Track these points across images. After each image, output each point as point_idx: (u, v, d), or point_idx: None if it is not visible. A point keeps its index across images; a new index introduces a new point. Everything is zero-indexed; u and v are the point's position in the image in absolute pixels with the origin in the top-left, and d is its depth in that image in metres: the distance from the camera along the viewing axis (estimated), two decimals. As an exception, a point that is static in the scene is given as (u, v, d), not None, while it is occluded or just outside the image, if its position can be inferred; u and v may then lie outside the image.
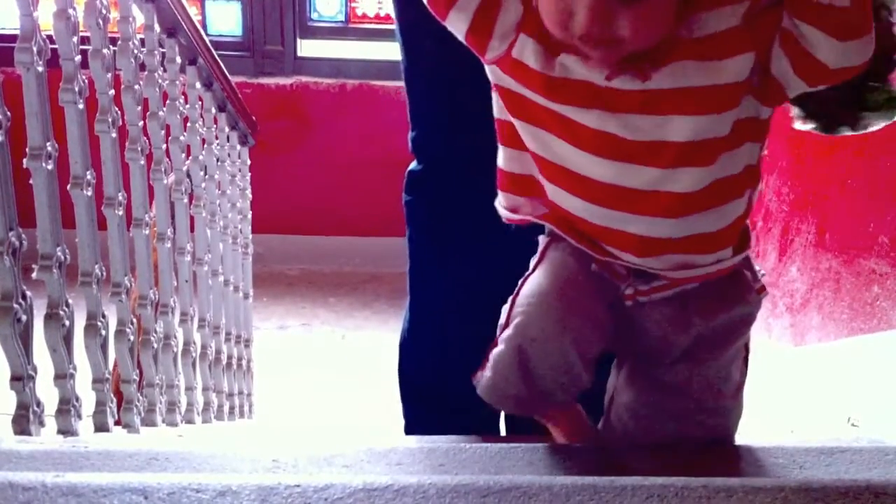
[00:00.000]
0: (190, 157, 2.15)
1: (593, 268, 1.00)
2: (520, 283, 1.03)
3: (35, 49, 1.24)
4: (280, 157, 3.76)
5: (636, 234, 0.95)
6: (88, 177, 1.41)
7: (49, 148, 1.28)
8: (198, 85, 2.19)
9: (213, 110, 2.36)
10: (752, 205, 1.00)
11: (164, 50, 1.91)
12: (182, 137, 2.04)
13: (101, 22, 1.47)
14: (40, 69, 1.25)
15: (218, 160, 2.39)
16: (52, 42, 1.31)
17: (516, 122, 0.95)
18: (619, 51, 0.84)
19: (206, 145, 2.28)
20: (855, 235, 1.90)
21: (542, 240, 1.06)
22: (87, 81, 1.40)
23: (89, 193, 1.42)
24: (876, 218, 1.80)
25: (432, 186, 1.31)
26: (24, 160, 1.27)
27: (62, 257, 1.33)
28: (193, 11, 2.23)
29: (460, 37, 0.92)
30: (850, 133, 0.99)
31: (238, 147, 2.69)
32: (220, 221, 2.40)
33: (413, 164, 1.34)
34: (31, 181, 1.29)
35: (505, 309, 1.02)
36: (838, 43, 0.84)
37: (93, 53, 1.48)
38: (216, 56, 2.25)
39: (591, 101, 0.89)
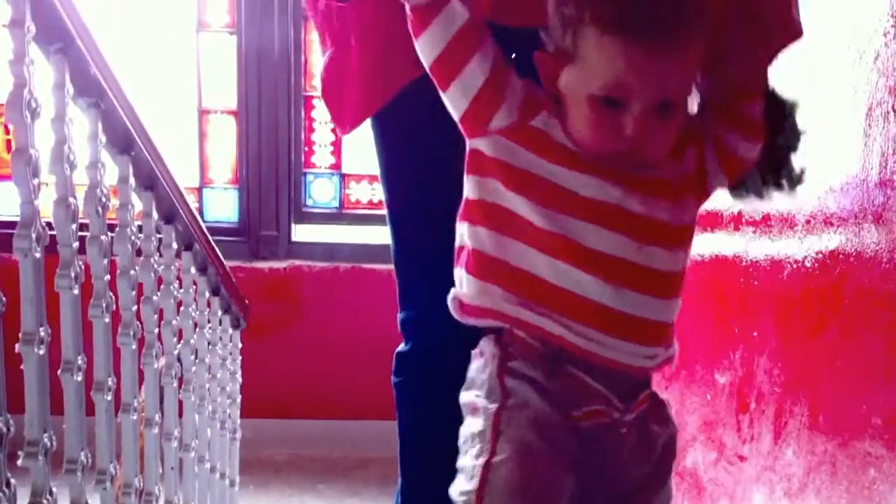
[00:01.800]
0: (182, 341, 2.16)
1: (577, 413, 1.00)
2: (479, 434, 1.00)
3: (34, 236, 1.26)
4: (271, 339, 3.76)
5: (621, 311, 0.98)
6: (79, 362, 1.41)
7: (42, 333, 1.28)
8: (193, 270, 2.22)
9: (207, 294, 2.38)
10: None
11: (160, 236, 1.94)
12: (175, 321, 2.05)
13: (100, 209, 1.51)
14: (38, 255, 1.27)
15: (209, 344, 2.40)
16: (51, 228, 1.33)
17: (517, 198, 0.96)
18: (641, 157, 0.96)
19: (198, 329, 2.29)
20: (848, 417, 1.89)
21: (485, 362, 1.03)
22: (83, 267, 1.42)
23: (79, 379, 1.41)
24: (868, 399, 1.80)
25: (421, 367, 1.31)
26: (17, 345, 1.27)
27: (48, 444, 1.31)
28: (191, 199, 2.29)
29: (467, 97, 0.95)
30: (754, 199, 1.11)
31: (230, 330, 2.70)
32: (208, 406, 2.38)
33: (401, 346, 1.34)
34: (21, 366, 1.29)
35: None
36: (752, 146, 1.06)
37: (90, 240, 1.51)
38: (212, 241, 2.29)
39: (612, 178, 0.96)
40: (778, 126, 1.20)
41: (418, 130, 1.23)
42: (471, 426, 1.01)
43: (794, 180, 1.20)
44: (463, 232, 1.01)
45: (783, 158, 1.21)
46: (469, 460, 0.99)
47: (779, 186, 1.20)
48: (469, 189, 0.98)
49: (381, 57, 1.13)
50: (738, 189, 1.19)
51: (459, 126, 0.97)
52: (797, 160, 1.21)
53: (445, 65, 0.94)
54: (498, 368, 1.01)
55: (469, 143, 0.98)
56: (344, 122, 1.25)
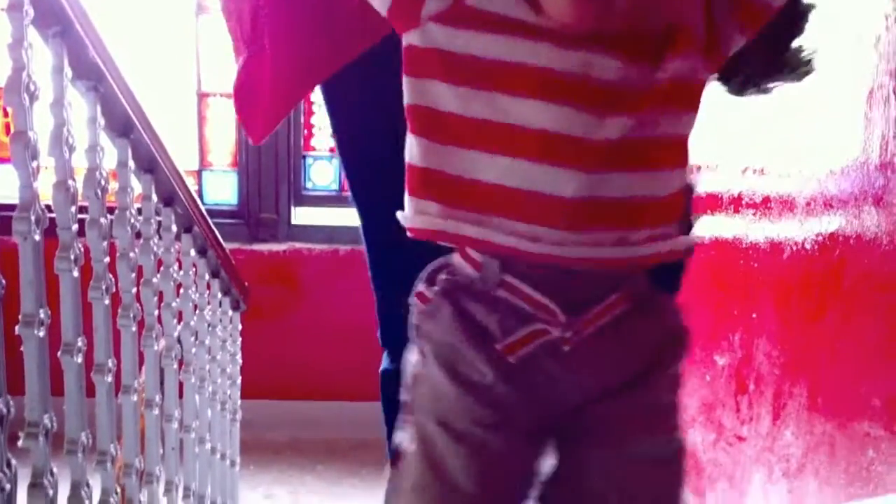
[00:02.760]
0: (182, 323, 2.16)
1: (508, 342, 0.85)
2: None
3: (33, 219, 1.26)
4: (271, 321, 3.77)
5: (568, 197, 0.82)
6: (79, 344, 1.42)
7: (42, 315, 1.29)
8: (192, 252, 2.22)
9: (207, 277, 2.38)
10: (691, 190, 0.93)
11: (160, 219, 1.94)
12: (175, 304, 2.05)
13: (99, 192, 1.51)
14: (37, 238, 1.27)
15: (209, 326, 2.40)
16: (50, 211, 1.34)
17: (457, 92, 0.82)
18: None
19: (198, 311, 2.29)
20: (847, 398, 1.90)
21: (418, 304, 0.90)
22: (82, 249, 1.42)
23: (79, 360, 1.42)
24: (867, 381, 1.81)
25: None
26: (17, 327, 1.28)
27: (49, 425, 1.31)
28: (191, 182, 2.29)
29: None
30: (755, 95, 0.99)
31: (230, 312, 2.70)
32: (209, 387, 2.38)
33: (384, 363, 1.26)
34: (21, 348, 1.29)
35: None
36: None
37: (90, 223, 1.51)
38: (211, 224, 2.29)
39: (576, 42, 0.80)
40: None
41: (351, 114, 1.18)
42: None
43: (803, 64, 0.99)
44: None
45: (789, 33, 0.98)
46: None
47: (784, 71, 0.99)
48: (405, 94, 0.85)
49: (296, 55, 1.05)
50: (736, 80, 0.99)
51: (390, 23, 0.84)
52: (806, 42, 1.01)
53: None
54: (415, 328, 0.90)
55: (403, 41, 0.85)
56: (257, 130, 1.16)
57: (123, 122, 1.63)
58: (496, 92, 0.81)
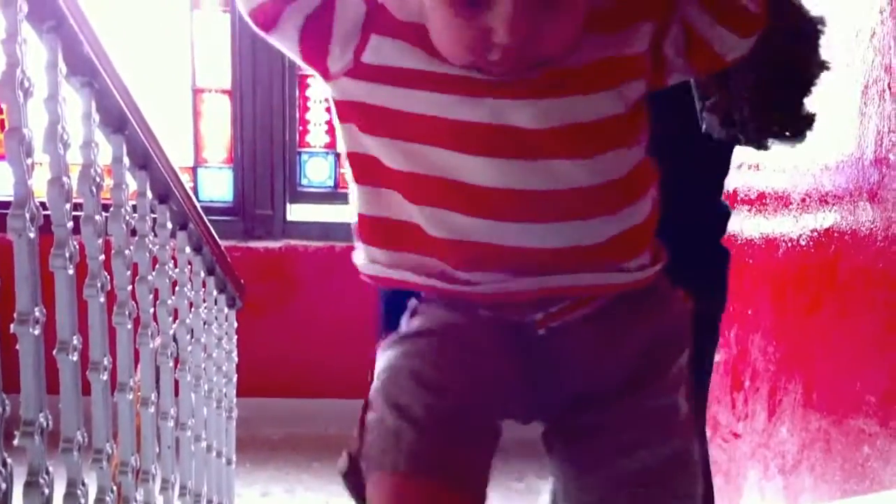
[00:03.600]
0: (177, 321, 2.16)
1: (482, 312, 0.84)
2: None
3: (28, 216, 1.26)
4: (267, 318, 3.76)
5: (536, 248, 0.81)
6: (75, 342, 1.41)
7: (37, 313, 1.28)
8: (188, 249, 2.21)
9: (202, 274, 2.38)
10: (656, 209, 0.87)
11: (155, 216, 1.94)
12: (170, 301, 2.05)
13: (94, 189, 1.50)
14: (32, 235, 1.27)
15: (205, 323, 2.40)
16: (45, 208, 1.33)
17: (378, 142, 0.81)
18: (531, 61, 0.77)
19: (193, 308, 2.29)
20: (842, 394, 1.90)
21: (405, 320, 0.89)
22: (77, 247, 1.42)
23: (75, 358, 1.41)
24: (862, 377, 1.81)
25: None
26: (12, 325, 1.27)
27: (44, 423, 1.31)
28: (186, 178, 2.28)
29: (293, 50, 0.81)
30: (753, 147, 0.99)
31: (226, 310, 2.70)
32: (204, 385, 2.38)
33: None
34: (17, 346, 1.29)
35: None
36: (739, 39, 0.83)
37: (85, 219, 1.51)
38: (207, 221, 2.28)
39: (490, 89, 0.78)
40: (795, 46, 0.97)
41: None
42: None
43: (802, 125, 0.98)
44: None
45: (793, 95, 0.96)
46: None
47: (781, 132, 0.96)
48: (342, 142, 0.85)
49: None
50: (728, 129, 0.96)
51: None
52: (808, 100, 0.99)
53: (260, 12, 0.80)
54: (409, 316, 0.89)
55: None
56: None
57: (118, 118, 1.62)
58: (414, 143, 0.80)
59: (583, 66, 0.79)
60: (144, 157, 1.79)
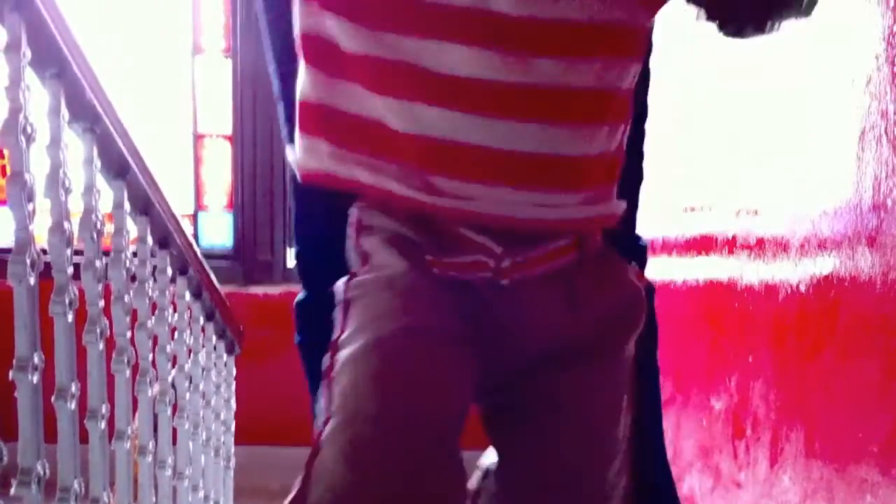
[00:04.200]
0: (176, 367, 2.15)
1: (445, 261, 0.76)
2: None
3: (28, 262, 1.26)
4: (266, 364, 3.74)
5: (496, 149, 0.72)
6: (73, 389, 1.40)
7: (36, 360, 1.28)
8: (187, 295, 2.21)
9: (202, 320, 2.38)
10: (622, 148, 0.81)
11: (155, 261, 1.94)
12: (169, 348, 2.04)
13: (95, 235, 1.50)
14: (32, 282, 1.27)
15: (203, 370, 2.39)
16: (45, 254, 1.33)
17: (339, 24, 0.72)
18: None
19: (192, 355, 2.28)
20: (845, 443, 1.89)
21: (348, 235, 0.80)
22: (77, 293, 1.42)
23: (73, 406, 1.40)
24: (864, 425, 1.80)
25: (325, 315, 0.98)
26: (10, 372, 1.27)
27: (42, 472, 1.30)
28: (186, 224, 2.29)
29: None
30: (756, 34, 0.84)
31: (224, 356, 2.69)
32: (202, 433, 2.36)
33: (300, 294, 1.13)
34: (15, 393, 1.28)
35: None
36: None
37: (85, 265, 1.51)
38: (207, 266, 2.28)
39: None
40: None
41: None
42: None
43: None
44: None
45: None
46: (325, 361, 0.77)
47: (782, 8, 0.80)
48: (297, 21, 0.76)
49: None
50: (731, 24, 0.82)
51: None
52: None
53: None
54: (356, 233, 0.80)
55: None
56: None
57: (120, 164, 1.63)
58: (390, 32, 0.71)
59: None
60: (145, 203, 1.79)
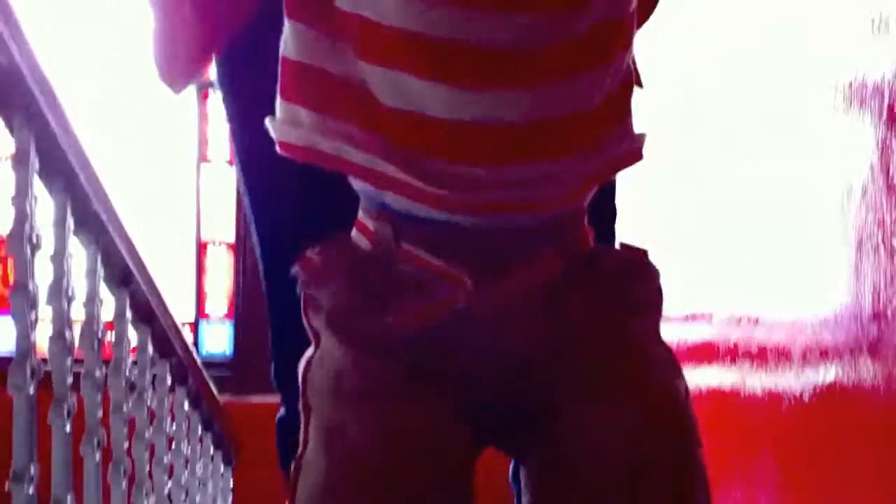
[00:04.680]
0: (172, 479, 2.12)
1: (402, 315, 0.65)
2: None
3: (28, 372, 1.25)
4: (263, 475, 3.68)
5: (485, 123, 0.62)
6: (69, 500, 1.38)
7: (32, 471, 1.26)
8: (186, 405, 2.20)
9: (199, 430, 2.35)
10: (628, 111, 0.70)
11: (155, 371, 1.93)
12: (166, 458, 2.02)
13: (96, 344, 1.50)
14: (31, 392, 1.26)
15: (200, 482, 2.35)
16: (45, 363, 1.33)
17: None
18: None
19: (189, 465, 2.25)
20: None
21: None
22: (76, 403, 1.41)
23: (68, 517, 1.38)
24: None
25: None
26: (7, 483, 1.25)
27: (34, 586, 1.27)
28: (186, 331, 2.29)
29: None
30: None
31: (221, 467, 2.65)
32: (199, 545, 2.32)
33: (280, 410, 1.08)
34: (10, 504, 1.26)
35: None
36: None
37: (85, 375, 1.50)
38: (206, 376, 2.27)
39: None
40: None
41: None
42: None
43: None
44: None
45: None
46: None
47: None
48: None
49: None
50: None
51: None
52: None
53: None
54: (305, 309, 0.70)
55: None
56: (178, 77, 0.92)
57: (122, 273, 1.64)
58: None
59: None
60: (147, 312, 1.79)
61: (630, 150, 0.69)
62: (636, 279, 0.72)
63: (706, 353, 2.28)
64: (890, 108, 1.42)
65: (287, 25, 0.64)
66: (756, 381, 2.16)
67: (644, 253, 0.72)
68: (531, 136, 0.64)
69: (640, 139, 0.69)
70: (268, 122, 0.66)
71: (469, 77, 0.61)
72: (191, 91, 3.87)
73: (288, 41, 0.64)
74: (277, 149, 0.66)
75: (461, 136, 0.62)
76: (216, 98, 3.67)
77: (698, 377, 2.32)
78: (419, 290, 0.66)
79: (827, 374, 1.80)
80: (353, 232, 0.69)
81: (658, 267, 0.73)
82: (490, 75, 0.62)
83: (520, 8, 0.61)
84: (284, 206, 0.90)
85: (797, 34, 1.66)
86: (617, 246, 0.75)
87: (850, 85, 1.52)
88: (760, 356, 2.16)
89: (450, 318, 0.66)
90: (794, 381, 1.96)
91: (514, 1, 0.61)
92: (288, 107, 0.65)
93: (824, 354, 1.81)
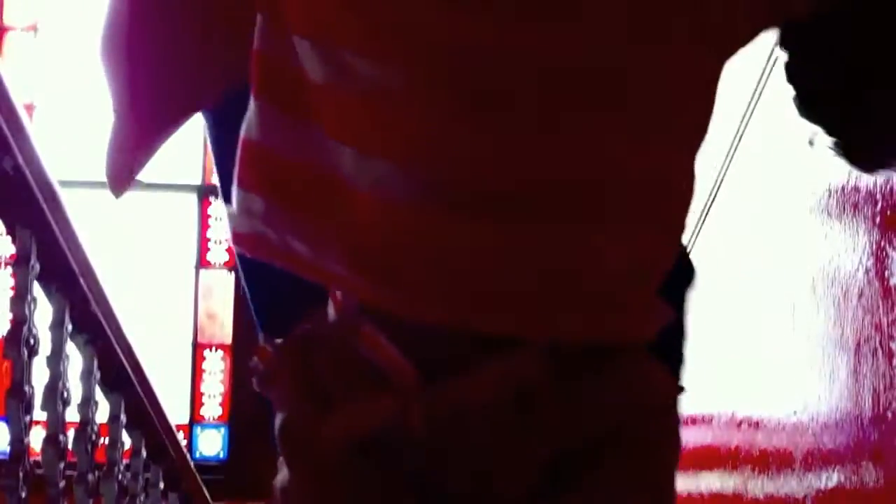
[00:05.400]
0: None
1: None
2: None
3: (21, 475, 1.24)
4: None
5: (481, 245, 0.51)
6: None
7: (20, 578, 1.24)
8: (178, 510, 2.16)
9: (192, 538, 2.31)
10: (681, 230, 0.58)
11: (147, 475, 1.91)
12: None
13: (89, 447, 1.49)
14: (23, 495, 1.24)
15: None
16: (38, 467, 1.31)
17: (299, 42, 0.53)
18: None
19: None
20: None
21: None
22: (68, 506, 1.39)
23: None
24: None
25: None
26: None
27: None
28: (180, 435, 2.26)
29: None
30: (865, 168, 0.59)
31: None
32: None
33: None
34: None
35: None
36: None
37: (78, 479, 1.48)
38: (200, 480, 2.24)
39: None
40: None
41: None
42: None
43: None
44: None
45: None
46: None
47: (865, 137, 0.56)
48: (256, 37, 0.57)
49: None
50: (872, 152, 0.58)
51: None
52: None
53: None
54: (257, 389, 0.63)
55: None
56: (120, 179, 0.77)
57: (118, 376, 1.63)
58: (338, 44, 0.52)
59: None
60: (142, 416, 1.78)
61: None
62: (651, 418, 0.57)
63: (707, 456, 2.26)
64: (883, 212, 1.44)
65: (252, 106, 0.56)
66: (758, 486, 2.13)
67: (676, 388, 0.59)
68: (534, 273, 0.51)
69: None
70: (226, 209, 0.59)
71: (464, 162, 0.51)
72: (192, 196, 3.92)
73: (251, 122, 0.56)
74: (230, 241, 0.59)
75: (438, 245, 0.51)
76: (217, 204, 3.72)
77: (700, 482, 2.29)
78: (369, 386, 0.55)
79: (829, 478, 1.77)
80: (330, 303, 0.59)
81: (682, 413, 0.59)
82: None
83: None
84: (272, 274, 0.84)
85: (793, 140, 1.69)
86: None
87: (843, 189, 1.54)
88: (762, 460, 2.13)
89: (395, 422, 0.54)
90: (796, 485, 1.93)
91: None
92: (241, 192, 0.56)
93: (826, 459, 1.79)
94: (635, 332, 0.55)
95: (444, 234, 0.51)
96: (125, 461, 1.71)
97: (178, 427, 3.57)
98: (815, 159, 1.61)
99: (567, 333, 0.53)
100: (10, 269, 1.27)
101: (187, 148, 3.71)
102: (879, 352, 1.53)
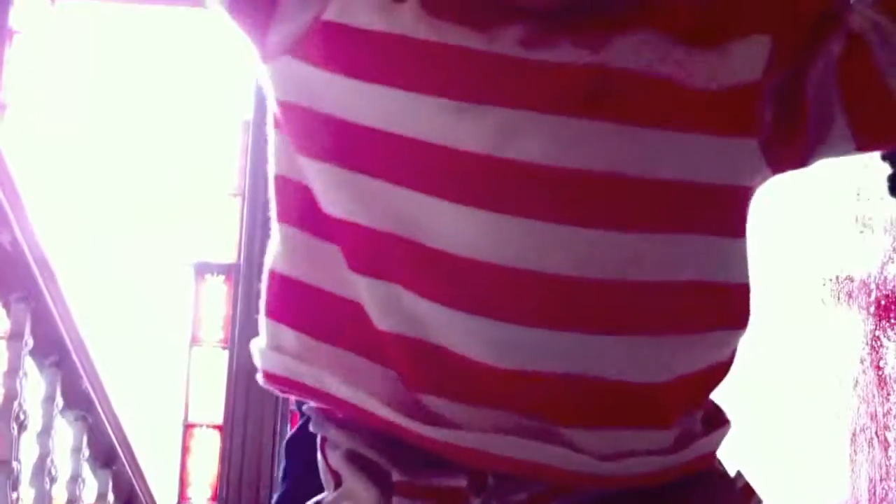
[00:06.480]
0: None
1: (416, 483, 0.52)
2: None
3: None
4: None
5: (498, 367, 0.49)
6: None
7: None
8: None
9: None
10: (731, 362, 0.57)
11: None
12: None
13: (75, 526, 1.47)
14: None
15: None
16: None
17: (318, 169, 0.51)
18: None
19: None
20: None
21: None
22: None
23: None
24: None
25: None
26: None
27: None
28: None
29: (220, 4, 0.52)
30: None
31: None
32: None
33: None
34: None
35: None
36: None
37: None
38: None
39: (495, 90, 0.47)
40: None
41: None
42: None
43: None
44: None
45: None
46: None
47: None
48: (272, 156, 0.55)
49: None
50: None
51: None
52: None
53: None
54: (322, 449, 0.57)
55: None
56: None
57: (107, 453, 1.61)
58: (368, 176, 0.50)
59: (649, 76, 0.48)
60: (129, 494, 1.75)
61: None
62: None
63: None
64: (877, 302, 1.45)
65: (276, 229, 0.55)
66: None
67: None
68: (560, 389, 0.50)
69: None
70: (252, 345, 0.57)
71: (497, 305, 0.48)
72: (188, 273, 3.92)
73: (276, 251, 0.55)
74: (260, 379, 0.56)
75: (470, 370, 0.49)
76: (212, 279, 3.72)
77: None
78: (425, 462, 0.52)
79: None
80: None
81: None
82: (545, 314, 0.49)
83: (585, 223, 0.49)
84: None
85: (788, 232, 1.71)
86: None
87: (838, 279, 1.55)
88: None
89: None
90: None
91: (575, 213, 0.49)
92: (275, 328, 0.54)
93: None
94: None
95: (500, 382, 0.49)
96: (110, 541, 1.68)
97: (166, 507, 3.51)
98: (813, 252, 1.62)
99: None
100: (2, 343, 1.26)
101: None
102: (875, 441, 1.52)
